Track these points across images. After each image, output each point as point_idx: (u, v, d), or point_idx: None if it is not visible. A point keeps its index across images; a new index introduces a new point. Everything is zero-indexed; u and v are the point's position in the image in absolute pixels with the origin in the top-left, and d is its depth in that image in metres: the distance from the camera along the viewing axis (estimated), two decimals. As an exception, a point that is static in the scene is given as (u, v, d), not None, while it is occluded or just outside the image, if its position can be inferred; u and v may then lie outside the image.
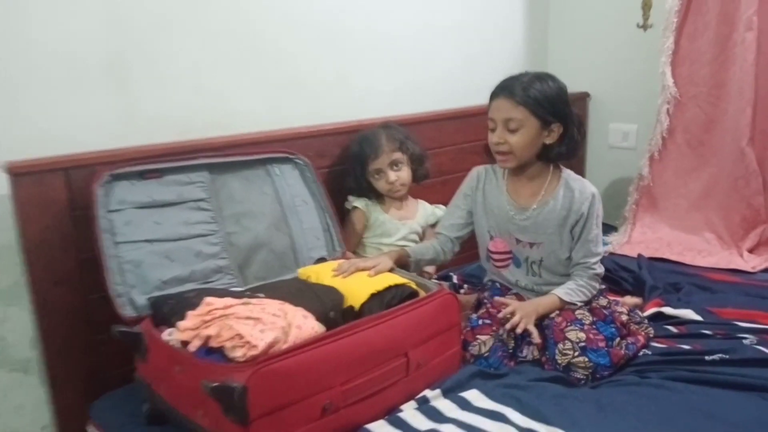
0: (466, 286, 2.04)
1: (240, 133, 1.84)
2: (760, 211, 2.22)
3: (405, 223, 2.00)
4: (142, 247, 1.48)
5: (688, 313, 1.71)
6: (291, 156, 1.82)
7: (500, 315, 1.57)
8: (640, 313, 1.71)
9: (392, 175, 1.92)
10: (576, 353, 1.46)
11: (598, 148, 2.77)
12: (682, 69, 2.35)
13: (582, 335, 1.49)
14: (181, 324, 1.21)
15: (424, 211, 2.06)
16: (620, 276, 1.99)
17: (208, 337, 1.16)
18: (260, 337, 1.12)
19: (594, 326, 1.56)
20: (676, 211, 2.41)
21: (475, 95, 2.43)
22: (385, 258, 1.62)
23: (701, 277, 2.01)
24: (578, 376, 1.45)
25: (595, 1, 2.67)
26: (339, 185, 1.97)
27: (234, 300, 1.24)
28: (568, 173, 1.72)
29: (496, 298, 1.67)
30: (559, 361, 1.47)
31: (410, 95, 2.27)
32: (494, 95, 1.63)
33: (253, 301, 1.24)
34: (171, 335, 1.26)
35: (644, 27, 2.52)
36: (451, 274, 2.10)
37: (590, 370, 1.44)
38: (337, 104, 2.07)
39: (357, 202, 1.97)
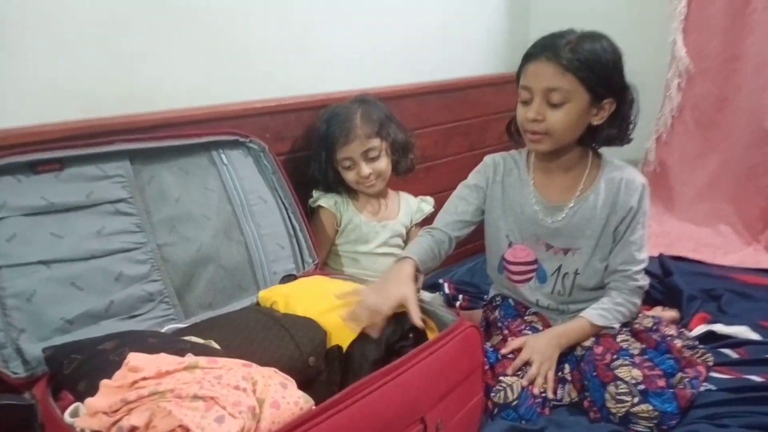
0: (461, 296, 1.68)
1: (171, 108, 1.38)
2: (781, 202, 1.95)
3: (385, 225, 1.58)
4: (36, 272, 1.05)
5: (744, 331, 1.41)
6: (242, 139, 1.39)
7: (509, 371, 1.20)
8: (687, 333, 1.39)
9: (365, 168, 1.49)
10: (635, 399, 1.11)
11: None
12: (690, 38, 2.04)
13: (637, 373, 1.15)
14: (92, 403, 0.77)
15: (407, 208, 1.65)
16: (646, 283, 1.67)
17: (133, 429, 0.73)
18: (217, 431, 0.70)
19: (646, 357, 1.22)
20: (682, 201, 2.13)
21: (453, 67, 2.07)
22: (404, 284, 1.17)
23: (733, 280, 1.72)
24: (640, 429, 1.10)
25: (586, -41, 2.31)
26: (304, 176, 1.54)
27: (173, 361, 0.81)
28: (610, 161, 1.35)
29: (510, 342, 1.28)
30: (614, 410, 1.12)
31: (382, 63, 1.84)
32: (531, 56, 1.23)
33: (203, 362, 0.81)
34: (76, 415, 0.83)
35: (646, -11, 2.18)
36: (441, 281, 1.73)
37: (655, 421, 1.10)
38: (294, 72, 1.62)
39: (323, 200, 1.54)
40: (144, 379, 0.77)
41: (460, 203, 1.41)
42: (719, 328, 1.41)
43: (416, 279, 1.23)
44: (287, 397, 0.80)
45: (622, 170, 1.33)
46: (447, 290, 1.71)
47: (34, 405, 0.91)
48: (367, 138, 1.47)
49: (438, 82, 1.95)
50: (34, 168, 1.09)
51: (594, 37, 1.23)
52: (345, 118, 1.48)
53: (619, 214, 1.30)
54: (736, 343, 1.38)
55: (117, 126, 1.25)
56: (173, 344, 0.92)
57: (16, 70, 1.18)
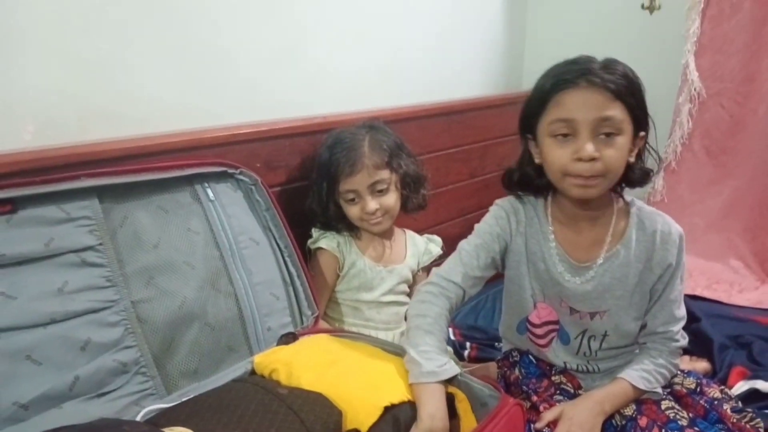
0: (469, 345, 1.51)
1: (144, 134, 1.18)
2: (798, 234, 1.85)
3: (392, 270, 1.39)
4: (-20, 344, 0.83)
5: (788, 389, 1.28)
6: (230, 170, 1.19)
7: None
8: (729, 392, 1.25)
9: (372, 203, 1.31)
10: (691, 480, 0.96)
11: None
12: (702, 60, 1.94)
13: (691, 451, 1.00)
14: None
15: (415, 249, 1.46)
16: (672, 329, 1.53)
17: None
18: None
19: (695, 428, 1.07)
20: (692, 232, 2.00)
21: (452, 85, 1.94)
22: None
23: (757, 323, 1.60)
24: None
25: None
26: (300, 212, 1.35)
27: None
28: (639, 207, 1.17)
29: (543, 414, 1.10)
30: (670, 495, 0.96)
31: (379, 82, 1.69)
32: (567, 82, 1.02)
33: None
34: None
35: (650, 8, 2.08)
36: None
37: (718, 504, 0.95)
38: (285, 92, 1.45)
39: (324, 241, 1.34)
40: None
41: (480, 255, 1.18)
42: (762, 385, 1.29)
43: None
44: None
45: (654, 220, 1.15)
46: (453, 336, 1.54)
47: None
48: (375, 169, 1.29)
49: (439, 104, 1.79)
50: (-22, 210, 0.88)
51: (616, 61, 1.05)
52: (351, 146, 1.29)
53: (656, 271, 1.14)
54: (783, 403, 1.25)
55: (82, 156, 1.05)
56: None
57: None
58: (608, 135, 1.02)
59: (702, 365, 1.39)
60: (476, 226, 1.22)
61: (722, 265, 1.93)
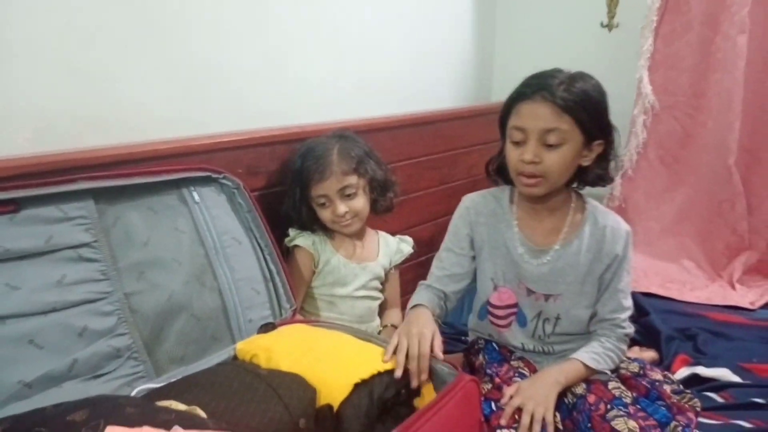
0: (439, 338, 1.62)
1: (135, 141, 1.28)
2: (744, 236, 2.00)
3: (365, 267, 1.50)
4: (-13, 329, 0.91)
5: (725, 374, 1.41)
6: (215, 175, 1.29)
7: (503, 421, 1.14)
8: (671, 376, 1.37)
9: (341, 207, 1.41)
10: (632, 451, 1.07)
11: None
12: (656, 75, 2.09)
13: (633, 425, 1.11)
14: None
15: (387, 248, 1.57)
16: (623, 322, 1.65)
17: None
18: None
19: (639, 407, 1.19)
20: (648, 236, 2.15)
21: (424, 98, 2.06)
22: (431, 322, 1.17)
23: (705, 318, 1.74)
24: (638, 481, 1.07)
25: (549, -5, 2.35)
26: (279, 214, 1.46)
27: (159, 437, 0.72)
28: (594, 205, 1.33)
29: (505, 391, 1.22)
30: (613, 464, 1.08)
31: (355, 94, 1.80)
32: (523, 96, 1.18)
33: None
34: (42, 504, 0.71)
35: (609, 26, 2.23)
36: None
37: (653, 474, 1.07)
38: (267, 103, 1.54)
39: (300, 239, 1.45)
40: (128, 463, 0.67)
41: (449, 256, 1.35)
42: (702, 370, 1.41)
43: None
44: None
45: (606, 217, 1.30)
46: (423, 330, 1.65)
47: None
48: (343, 175, 1.40)
49: (410, 115, 1.91)
50: (-16, 210, 0.97)
51: (584, 77, 1.21)
52: (321, 154, 1.40)
53: (604, 261, 1.28)
54: (719, 386, 1.38)
55: (78, 161, 1.13)
56: (155, 414, 0.82)
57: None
58: (553, 143, 1.16)
59: (650, 354, 1.51)
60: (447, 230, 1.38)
61: (676, 266, 2.07)
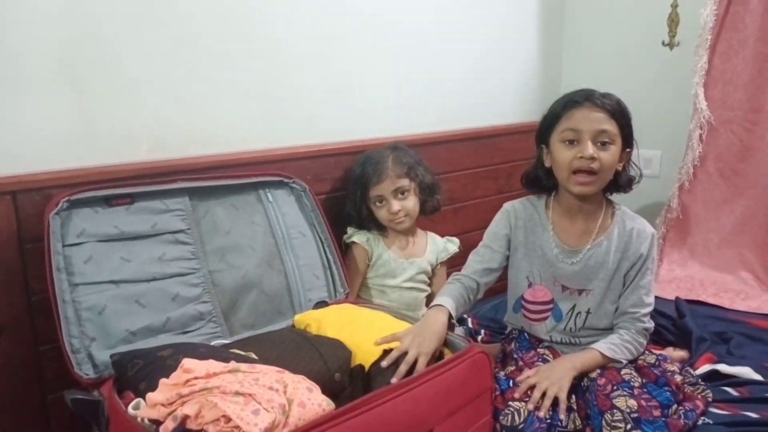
0: (483, 331, 1.80)
1: (224, 152, 1.57)
2: (803, 249, 2.00)
3: (412, 262, 1.72)
4: (106, 290, 1.22)
5: (747, 372, 1.48)
6: (286, 180, 1.57)
7: (516, 394, 1.30)
8: (692, 371, 1.47)
9: (395, 204, 1.65)
10: (628, 426, 1.20)
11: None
12: (714, 91, 2.14)
13: (633, 403, 1.24)
14: (152, 397, 0.94)
15: (434, 247, 1.79)
16: (660, 324, 1.74)
17: (186, 418, 0.89)
18: (253, 421, 0.85)
19: (645, 390, 1.31)
20: (707, 247, 2.19)
21: (484, 115, 2.22)
22: (440, 337, 1.27)
23: (746, 324, 1.78)
24: (633, 454, 1.20)
25: (615, 16, 2.46)
26: (340, 214, 1.71)
27: (219, 365, 0.97)
28: (623, 210, 1.49)
29: (525, 371, 1.38)
30: (609, 436, 1.21)
31: (416, 112, 2.00)
32: (576, 103, 1.37)
33: (244, 367, 0.97)
34: (138, 408, 0.99)
35: (670, 45, 2.31)
36: (465, 316, 1.85)
37: (648, 447, 1.19)
38: (335, 121, 1.80)
39: (357, 236, 1.69)
40: (195, 378, 0.93)
41: (486, 251, 1.54)
42: (723, 367, 1.49)
43: (450, 327, 1.35)
44: (312, 399, 0.95)
45: (634, 220, 1.46)
46: (470, 325, 1.83)
47: (101, 401, 1.07)
48: (397, 177, 1.64)
49: (468, 129, 2.10)
50: (108, 201, 1.28)
51: (612, 94, 1.40)
52: (378, 161, 1.65)
53: (630, 260, 1.43)
54: (738, 382, 1.45)
55: (179, 167, 1.45)
56: (219, 353, 1.08)
57: (89, 113, 1.36)
58: (604, 143, 1.35)
59: (679, 353, 1.60)
60: (487, 229, 1.57)
61: (733, 277, 2.10)
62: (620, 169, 1.42)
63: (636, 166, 1.48)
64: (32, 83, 1.28)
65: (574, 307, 1.47)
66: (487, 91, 2.24)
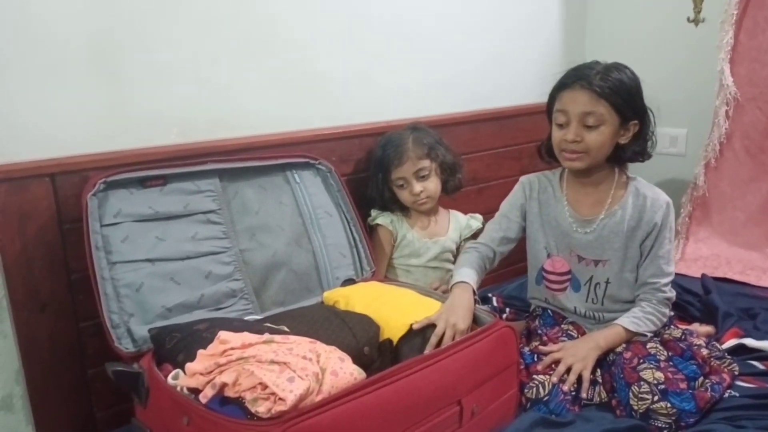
0: (508, 310, 1.81)
1: (252, 134, 1.60)
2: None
3: (436, 241, 1.75)
4: (143, 268, 1.27)
5: (774, 346, 1.48)
6: (312, 161, 1.60)
7: (540, 367, 1.32)
8: (718, 345, 1.48)
9: (417, 186, 1.67)
10: (655, 397, 1.22)
11: (642, 154, 2.52)
12: (740, 68, 2.12)
13: (660, 375, 1.26)
14: (190, 366, 0.98)
15: (457, 224, 1.81)
16: (685, 300, 1.75)
17: (224, 385, 0.93)
18: (289, 388, 0.89)
19: (671, 363, 1.33)
20: (733, 225, 2.18)
21: (507, 94, 2.22)
22: (468, 312, 1.30)
23: (772, 300, 1.78)
24: (659, 425, 1.21)
25: (638, -7, 2.44)
26: (365, 194, 1.74)
27: (254, 337, 1.01)
28: (638, 180, 1.50)
29: (544, 347, 1.41)
30: (635, 407, 1.23)
31: (439, 93, 2.01)
32: (565, 85, 1.40)
33: (278, 338, 1.01)
34: (177, 378, 1.03)
35: (695, 21, 2.28)
36: (490, 295, 1.87)
37: (674, 418, 1.21)
38: (359, 103, 1.82)
39: (381, 218, 1.72)
40: (232, 349, 0.97)
41: (503, 220, 1.57)
42: (749, 342, 1.50)
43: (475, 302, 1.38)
44: (344, 368, 0.98)
45: (648, 189, 1.47)
46: (496, 303, 1.84)
47: (141, 373, 1.12)
48: (418, 159, 1.65)
49: (490, 109, 2.11)
50: (143, 183, 1.33)
51: (618, 67, 1.40)
52: (398, 143, 1.67)
53: (644, 229, 1.43)
54: (764, 356, 1.46)
55: (209, 149, 1.49)
56: (253, 326, 1.12)
57: (122, 97, 1.40)
58: (592, 124, 1.36)
59: (705, 329, 1.61)
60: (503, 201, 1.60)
61: (759, 254, 2.09)
62: (624, 142, 1.41)
63: (653, 134, 1.47)
64: (68, 70, 1.32)
65: (591, 278, 1.49)
66: (510, 71, 2.24)
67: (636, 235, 1.44)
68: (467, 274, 1.43)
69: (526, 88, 2.31)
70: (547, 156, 1.54)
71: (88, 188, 1.24)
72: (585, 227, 1.47)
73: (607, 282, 1.47)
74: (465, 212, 1.88)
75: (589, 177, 1.47)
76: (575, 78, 1.39)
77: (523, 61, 2.28)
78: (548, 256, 1.53)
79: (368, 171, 1.75)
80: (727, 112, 2.12)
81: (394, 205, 1.72)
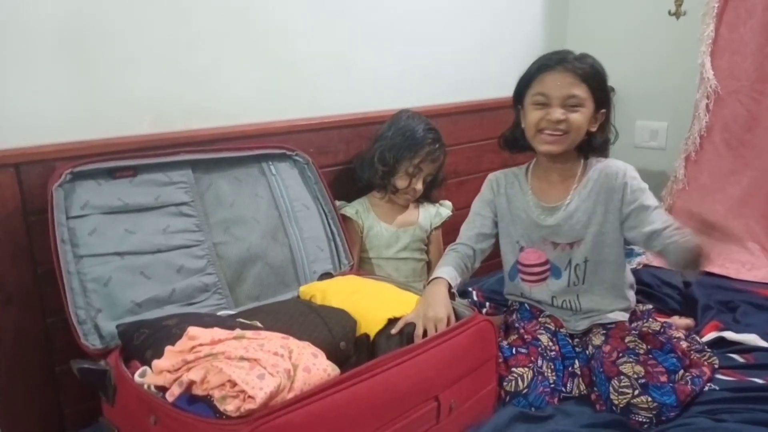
0: (488, 304, 1.79)
1: (227, 124, 1.56)
2: (810, 219, 1.99)
3: (406, 230, 1.74)
4: (111, 262, 1.22)
5: (753, 339, 1.48)
6: (289, 152, 1.56)
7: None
8: (698, 338, 1.47)
9: (419, 184, 1.70)
10: (636, 391, 1.21)
11: (623, 148, 2.47)
12: (721, 61, 2.12)
13: (639, 369, 1.25)
14: (157, 364, 0.94)
15: (426, 213, 1.79)
16: (664, 293, 1.74)
17: (191, 383, 0.89)
18: (258, 386, 0.86)
19: (650, 356, 1.32)
20: (713, 217, 2.17)
21: (488, 87, 2.19)
22: (448, 303, 1.29)
23: (752, 293, 1.78)
24: (640, 419, 1.20)
25: (620, -15, 2.43)
26: (343, 187, 1.71)
27: (224, 333, 0.98)
28: (595, 159, 1.49)
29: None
30: (616, 402, 1.22)
31: (419, 84, 1.98)
32: (546, 68, 1.39)
33: (249, 334, 0.97)
34: (144, 376, 0.99)
35: (677, 14, 2.28)
36: (470, 289, 1.84)
37: (654, 412, 1.19)
38: (338, 93, 1.78)
39: (346, 209, 1.71)
40: (201, 345, 0.93)
41: (477, 218, 1.56)
42: (729, 335, 1.49)
43: (450, 296, 1.34)
44: (317, 364, 0.95)
45: (603, 163, 1.47)
46: (475, 298, 1.81)
47: (108, 371, 1.08)
48: (432, 163, 1.70)
49: (472, 102, 2.08)
50: (112, 174, 1.28)
51: (588, 56, 1.40)
52: (438, 138, 1.71)
53: (614, 196, 1.42)
54: (744, 349, 1.45)
55: (182, 139, 1.44)
56: (224, 322, 1.09)
57: (92, 85, 1.35)
58: (573, 107, 1.36)
59: (685, 321, 1.60)
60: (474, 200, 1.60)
61: (739, 248, 2.09)
62: (594, 130, 1.42)
63: (612, 126, 1.49)
64: (35, 57, 1.27)
65: (570, 261, 1.47)
66: (491, 63, 2.21)
67: (609, 207, 1.42)
68: (442, 271, 1.41)
69: (507, 80, 2.25)
70: (509, 146, 1.53)
71: (54, 179, 1.19)
72: (553, 213, 1.47)
73: (586, 261, 1.46)
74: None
75: (559, 164, 1.47)
76: (557, 61, 1.38)
77: (503, 53, 2.25)
78: (521, 249, 1.51)
79: (347, 163, 1.71)
80: (707, 105, 2.13)
81: (375, 187, 1.72)
